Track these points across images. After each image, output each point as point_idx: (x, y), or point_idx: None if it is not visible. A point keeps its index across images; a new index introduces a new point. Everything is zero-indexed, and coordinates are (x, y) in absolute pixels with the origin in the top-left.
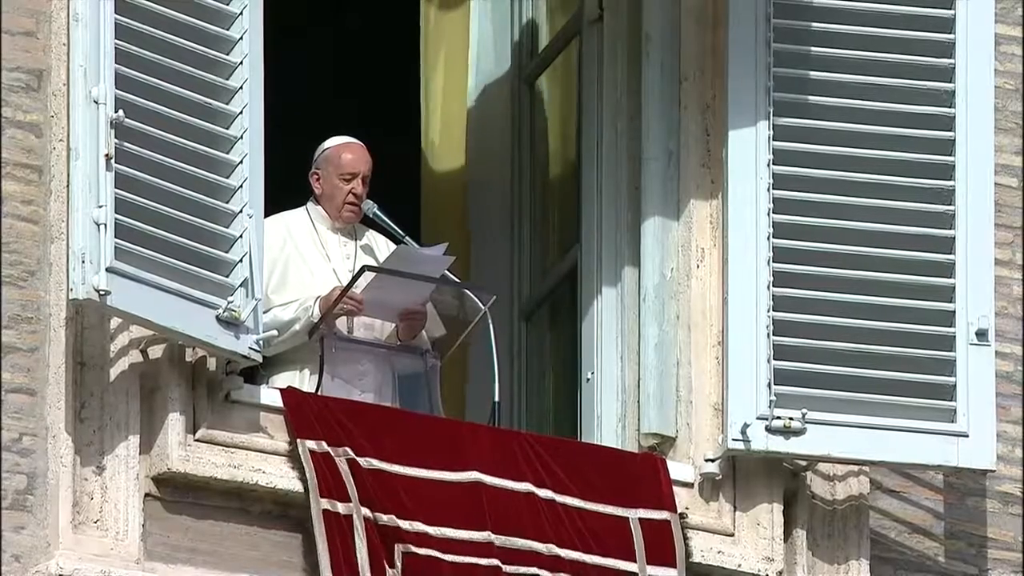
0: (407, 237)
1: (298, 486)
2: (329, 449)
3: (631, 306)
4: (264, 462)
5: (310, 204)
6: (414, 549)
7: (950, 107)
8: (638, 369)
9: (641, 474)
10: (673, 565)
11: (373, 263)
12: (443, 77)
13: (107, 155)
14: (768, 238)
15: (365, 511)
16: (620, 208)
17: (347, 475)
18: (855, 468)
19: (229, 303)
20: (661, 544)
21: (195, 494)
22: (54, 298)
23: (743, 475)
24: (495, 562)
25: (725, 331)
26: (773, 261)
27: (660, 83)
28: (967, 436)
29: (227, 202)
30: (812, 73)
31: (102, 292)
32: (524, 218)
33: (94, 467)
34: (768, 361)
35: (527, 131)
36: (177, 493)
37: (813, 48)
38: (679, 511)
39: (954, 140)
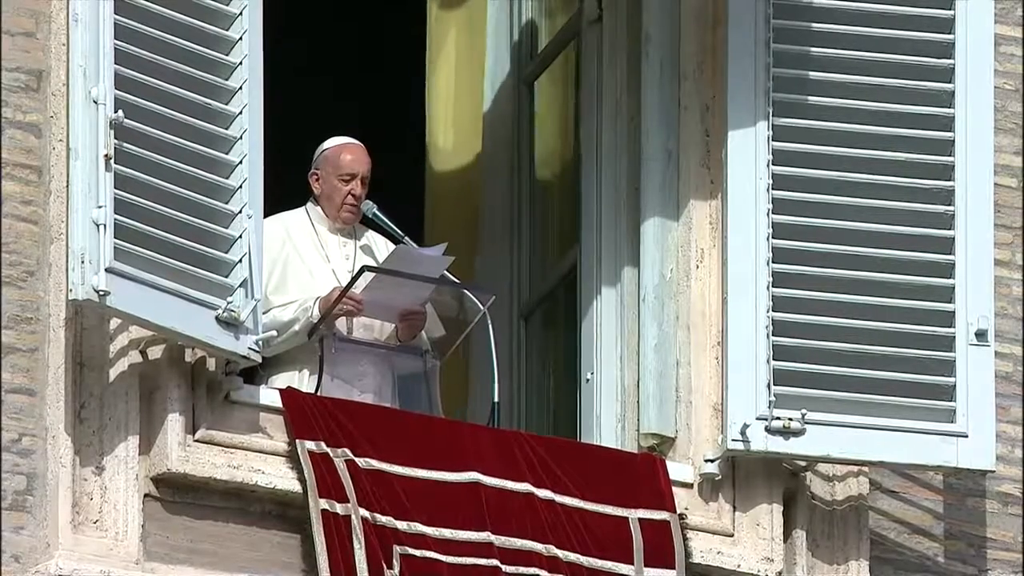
0: (406, 237)
1: (297, 486)
2: (328, 450)
3: (631, 306)
4: (263, 462)
5: (309, 204)
6: (412, 550)
7: (950, 107)
8: (638, 369)
9: (641, 474)
10: (673, 566)
11: (372, 263)
12: (443, 77)
13: (106, 155)
14: (767, 238)
15: (363, 512)
16: (620, 208)
17: (345, 476)
18: (855, 469)
19: (228, 303)
20: (661, 545)
21: (194, 494)
22: (54, 298)
23: (743, 476)
24: (494, 563)
25: (724, 331)
26: (772, 262)
27: (660, 83)
28: (966, 436)
29: (226, 203)
30: (811, 73)
31: (101, 292)
32: (524, 218)
33: (94, 467)
34: (767, 361)
35: (527, 131)
36: (176, 493)
37: (812, 48)
38: (679, 512)
39: (954, 141)
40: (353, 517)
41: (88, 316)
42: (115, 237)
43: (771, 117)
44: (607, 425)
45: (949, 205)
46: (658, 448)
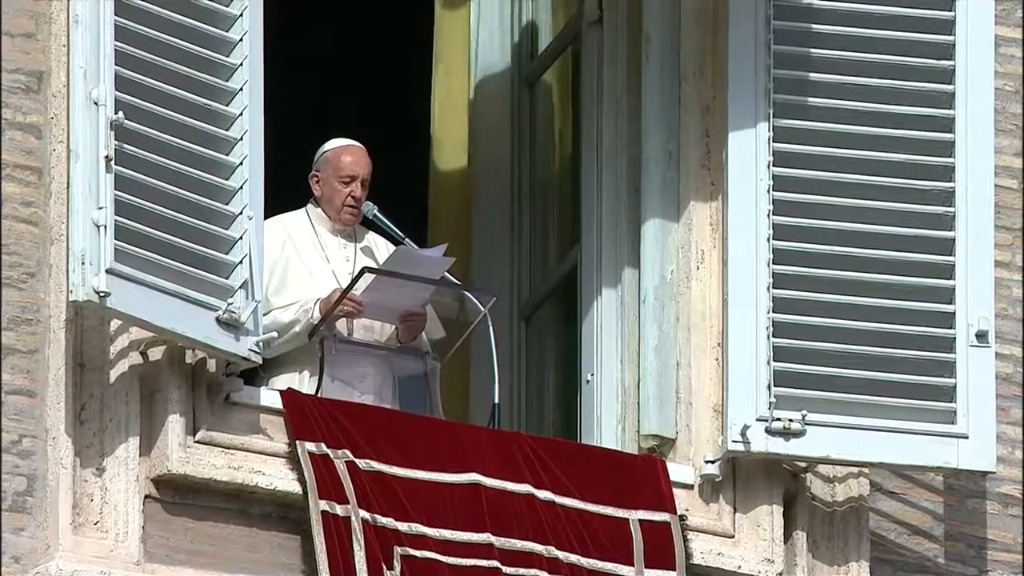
0: (407, 239)
1: (298, 488)
2: (328, 451)
3: (631, 307)
4: (264, 464)
5: (310, 206)
6: (413, 551)
7: (950, 109)
8: (638, 370)
9: (641, 476)
10: (673, 567)
11: (373, 265)
12: (444, 78)
13: (107, 157)
14: (768, 240)
15: (364, 513)
16: (620, 209)
17: (345, 477)
18: (855, 470)
19: (229, 305)
20: (661, 546)
21: (195, 496)
22: (54, 300)
23: (743, 477)
24: (495, 564)
25: (725, 333)
26: (773, 263)
27: (660, 84)
28: (967, 438)
29: (227, 204)
30: (812, 75)
31: (102, 294)
32: (524, 219)
33: (94, 469)
34: (768, 363)
35: (527, 131)
36: (177, 495)
37: (813, 50)
38: (679, 513)
39: (954, 142)
40: (353, 518)
41: (88, 317)
42: (115, 238)
43: (771, 118)
44: (607, 426)
45: (949, 206)
46: (658, 449)
